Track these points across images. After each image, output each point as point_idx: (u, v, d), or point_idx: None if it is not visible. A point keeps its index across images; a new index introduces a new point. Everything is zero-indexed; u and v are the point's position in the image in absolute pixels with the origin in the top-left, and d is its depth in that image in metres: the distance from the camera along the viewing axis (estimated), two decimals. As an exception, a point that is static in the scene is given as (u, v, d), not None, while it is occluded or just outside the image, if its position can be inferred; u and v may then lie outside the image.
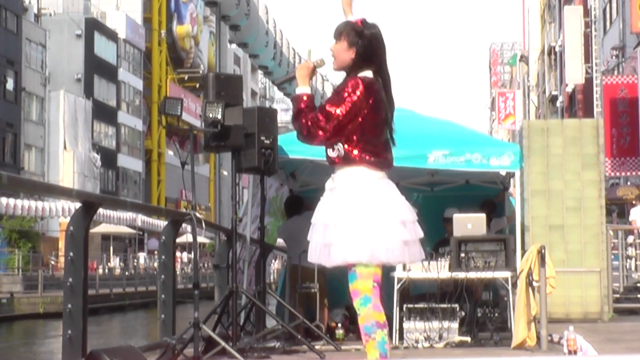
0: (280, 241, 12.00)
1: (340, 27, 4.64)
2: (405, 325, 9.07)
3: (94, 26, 58.28)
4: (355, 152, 4.52)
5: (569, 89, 46.08)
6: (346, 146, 4.53)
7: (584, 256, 12.04)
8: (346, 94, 4.52)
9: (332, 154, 4.59)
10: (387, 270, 8.37)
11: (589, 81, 39.73)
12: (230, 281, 8.39)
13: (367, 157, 4.53)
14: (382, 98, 4.59)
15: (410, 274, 9.12)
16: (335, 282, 11.36)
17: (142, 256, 53.63)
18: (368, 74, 4.57)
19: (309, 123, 4.51)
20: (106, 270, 46.17)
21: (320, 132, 4.51)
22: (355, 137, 4.52)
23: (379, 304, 4.47)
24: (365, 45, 4.57)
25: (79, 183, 51.20)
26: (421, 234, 4.59)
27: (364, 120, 4.53)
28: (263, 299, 8.88)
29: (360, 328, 4.47)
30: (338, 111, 4.50)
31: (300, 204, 10.80)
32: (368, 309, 4.43)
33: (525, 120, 20.65)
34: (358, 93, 4.51)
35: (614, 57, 34.88)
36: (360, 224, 4.44)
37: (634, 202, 12.23)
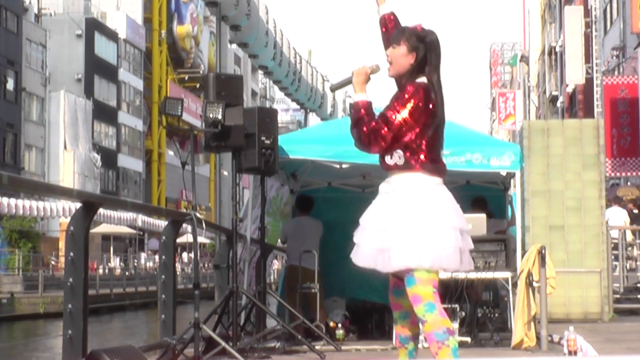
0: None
1: (400, 32, 4.58)
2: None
3: (94, 26, 58.27)
4: (415, 159, 4.47)
5: (569, 89, 46.06)
6: (407, 154, 4.48)
7: (584, 256, 12.05)
8: (407, 101, 4.45)
9: (390, 161, 4.52)
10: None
11: (589, 81, 39.72)
12: (230, 281, 8.40)
13: (426, 164, 4.48)
14: (440, 104, 4.54)
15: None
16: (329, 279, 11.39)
17: (143, 256, 53.65)
18: (423, 80, 4.53)
19: (370, 132, 4.43)
20: (106, 271, 46.19)
21: (382, 142, 4.45)
22: (415, 144, 4.47)
23: (443, 310, 4.41)
24: (424, 52, 4.52)
25: (79, 183, 51.19)
26: (472, 245, 4.57)
27: (424, 127, 4.48)
28: (263, 299, 8.88)
29: (429, 335, 4.35)
30: (399, 118, 4.43)
31: (311, 204, 10.86)
32: (435, 316, 4.35)
33: (525, 121, 20.64)
34: (418, 99, 4.47)
35: (614, 58, 34.87)
36: (421, 228, 4.38)
37: (608, 202, 12.32)
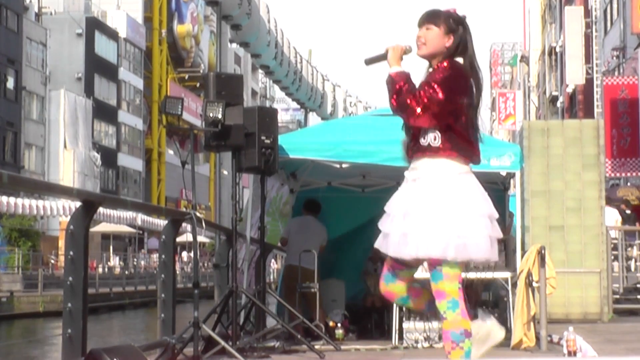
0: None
1: (435, 13, 4.49)
2: (405, 325, 9.07)
3: (94, 25, 58.27)
4: (450, 140, 4.37)
5: (569, 90, 46.05)
6: (443, 135, 4.37)
7: (584, 257, 12.05)
8: (449, 79, 4.37)
9: (424, 141, 4.40)
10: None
11: (589, 82, 39.71)
12: (230, 281, 8.40)
13: (460, 147, 4.38)
14: (477, 86, 4.46)
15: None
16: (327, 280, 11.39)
17: (144, 255, 53.64)
18: (460, 60, 4.46)
19: (414, 101, 4.31)
20: (106, 270, 46.18)
21: (424, 111, 4.31)
22: (451, 125, 4.37)
23: (465, 310, 4.33)
24: (461, 36, 4.46)
25: (79, 182, 51.19)
26: (500, 234, 4.44)
27: (462, 107, 4.39)
28: (263, 298, 8.88)
29: (446, 333, 4.29)
30: (440, 95, 4.32)
31: (318, 208, 10.90)
32: (457, 315, 4.28)
33: (525, 121, 20.63)
34: (459, 78, 4.41)
35: (614, 58, 34.86)
36: (446, 216, 4.27)
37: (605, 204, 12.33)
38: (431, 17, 4.49)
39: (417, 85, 4.40)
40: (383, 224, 4.50)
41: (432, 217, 4.29)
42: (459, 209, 4.30)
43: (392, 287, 4.52)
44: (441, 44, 4.46)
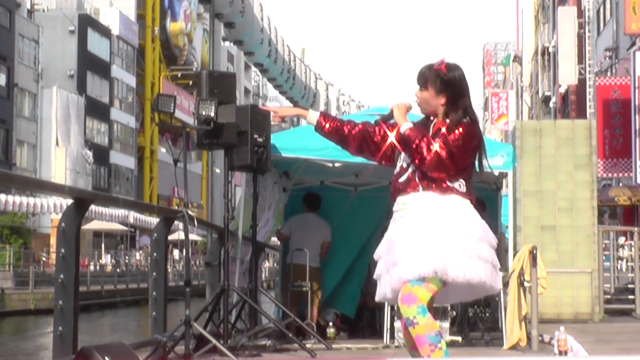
0: (272, 239, 12.00)
1: (425, 74, 4.62)
2: (396, 324, 9.07)
3: (87, 22, 58.15)
4: (452, 187, 4.52)
5: (562, 90, 46.12)
6: (444, 184, 4.52)
7: (575, 257, 12.07)
8: (463, 141, 4.52)
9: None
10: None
11: (582, 82, 39.79)
12: (221, 279, 8.39)
13: (465, 193, 4.55)
14: (480, 136, 4.66)
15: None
16: (330, 282, 11.39)
17: (136, 253, 53.55)
18: (463, 118, 4.59)
19: (432, 159, 4.48)
20: (97, 267, 46.10)
21: (442, 173, 4.49)
22: (456, 178, 4.54)
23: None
24: (453, 91, 4.58)
25: (71, 179, 51.08)
26: (487, 256, 4.47)
27: (469, 165, 4.60)
28: (255, 296, 8.87)
29: (421, 337, 4.34)
30: (457, 158, 4.50)
31: (318, 202, 10.90)
32: (428, 319, 4.34)
33: (518, 121, 20.66)
34: (470, 140, 4.56)
35: (607, 58, 34.92)
36: (426, 237, 4.39)
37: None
38: (420, 80, 4.63)
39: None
40: (376, 273, 4.60)
41: (410, 242, 4.40)
42: (449, 229, 4.39)
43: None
44: (437, 104, 4.60)
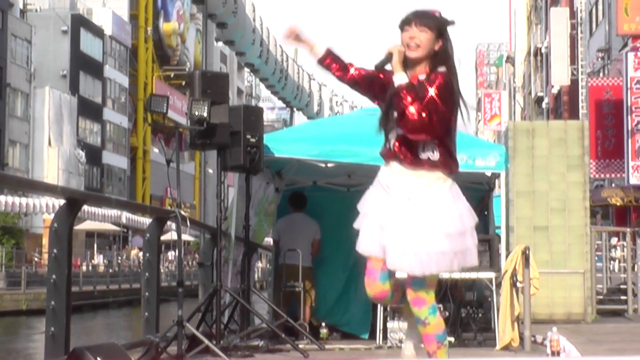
0: (267, 240, 11.99)
1: (428, 14, 4.40)
2: (389, 324, 9.07)
3: (80, 22, 58.05)
4: (443, 155, 4.41)
5: (554, 91, 46.22)
6: (439, 148, 4.41)
7: (568, 257, 12.09)
8: (447, 90, 4.35)
9: (423, 155, 4.41)
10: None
11: (574, 83, 39.87)
12: (214, 279, 8.38)
13: (452, 159, 4.45)
14: (460, 94, 4.45)
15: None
16: (323, 281, 11.37)
17: (136, 254, 53.44)
18: (444, 70, 4.40)
19: (424, 114, 4.31)
20: (90, 268, 46.02)
21: (428, 124, 4.32)
22: (444, 138, 4.41)
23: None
24: (449, 40, 4.44)
25: (63, 180, 50.98)
26: (466, 245, 4.48)
27: (451, 120, 4.43)
28: (247, 297, 8.86)
29: (430, 336, 4.44)
30: (444, 107, 4.34)
31: (304, 201, 10.87)
32: (438, 318, 4.46)
33: (510, 122, 20.69)
34: (453, 94, 4.39)
35: (599, 59, 35.00)
36: (443, 235, 4.39)
37: None
38: (424, 19, 4.39)
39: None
40: (368, 229, 4.64)
41: (430, 237, 4.39)
42: (453, 227, 4.40)
43: (387, 285, 4.57)
44: (431, 48, 4.40)
